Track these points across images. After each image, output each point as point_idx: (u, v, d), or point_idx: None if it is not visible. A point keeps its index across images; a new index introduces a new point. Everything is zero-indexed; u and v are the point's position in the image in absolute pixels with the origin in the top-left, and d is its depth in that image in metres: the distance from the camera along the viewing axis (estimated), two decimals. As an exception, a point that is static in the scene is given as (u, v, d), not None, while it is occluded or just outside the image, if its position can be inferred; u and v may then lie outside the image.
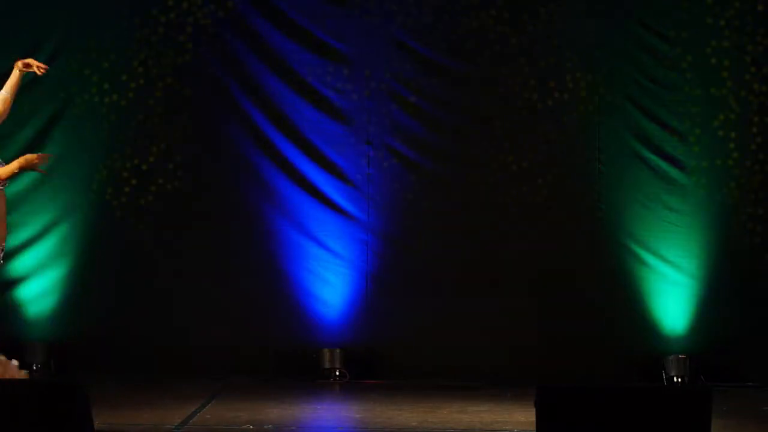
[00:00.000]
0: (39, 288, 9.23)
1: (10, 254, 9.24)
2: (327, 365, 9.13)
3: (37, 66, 7.04)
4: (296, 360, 9.19)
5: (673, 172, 9.12)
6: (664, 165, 9.12)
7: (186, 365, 9.12)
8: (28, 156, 6.82)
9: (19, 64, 7.04)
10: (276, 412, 7.61)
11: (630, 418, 5.00)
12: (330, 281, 9.24)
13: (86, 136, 9.27)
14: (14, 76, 7.07)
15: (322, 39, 9.27)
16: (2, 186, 6.81)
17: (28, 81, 9.23)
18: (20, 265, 9.24)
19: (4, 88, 7.08)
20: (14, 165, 6.78)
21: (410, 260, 9.25)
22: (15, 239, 9.23)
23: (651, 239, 9.10)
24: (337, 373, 9.06)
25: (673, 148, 9.13)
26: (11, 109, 9.24)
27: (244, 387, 8.64)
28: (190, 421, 7.29)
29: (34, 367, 9.12)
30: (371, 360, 9.18)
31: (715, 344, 9.03)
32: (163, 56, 9.29)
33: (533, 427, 5.07)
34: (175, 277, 9.25)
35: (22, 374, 7.04)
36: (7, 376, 6.83)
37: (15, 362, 7.01)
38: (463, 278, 9.18)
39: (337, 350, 9.11)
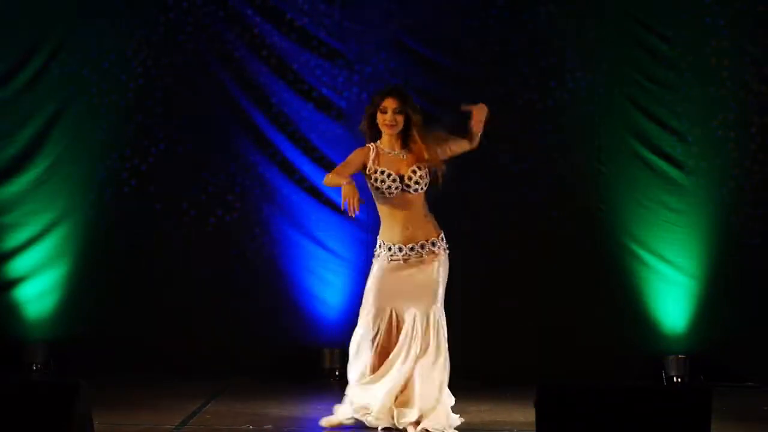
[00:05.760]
0: (39, 288, 9.24)
1: (11, 254, 9.26)
2: (327, 365, 9.13)
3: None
4: (296, 360, 9.19)
5: (673, 172, 9.12)
6: (664, 165, 9.12)
7: (186, 365, 9.13)
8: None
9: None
10: (276, 412, 7.61)
11: (630, 418, 5.00)
12: (330, 281, 9.24)
13: (86, 136, 9.28)
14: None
15: (322, 39, 9.28)
16: None
17: (27, 81, 9.28)
18: (20, 265, 9.24)
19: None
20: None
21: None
22: (15, 239, 9.25)
23: (651, 239, 9.10)
24: (337, 373, 9.06)
25: (672, 148, 9.13)
26: (11, 108, 9.30)
27: (244, 387, 8.64)
28: (190, 421, 7.30)
29: (34, 367, 9.13)
30: (371, 360, 9.17)
31: (715, 344, 9.03)
32: (163, 56, 9.30)
33: (533, 427, 5.07)
34: (175, 278, 9.26)
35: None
36: None
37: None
38: (462, 278, 9.15)
39: (337, 350, 9.11)
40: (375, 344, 6.85)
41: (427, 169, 6.84)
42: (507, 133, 9.22)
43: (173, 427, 7.07)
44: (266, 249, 9.28)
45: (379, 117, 6.85)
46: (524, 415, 7.44)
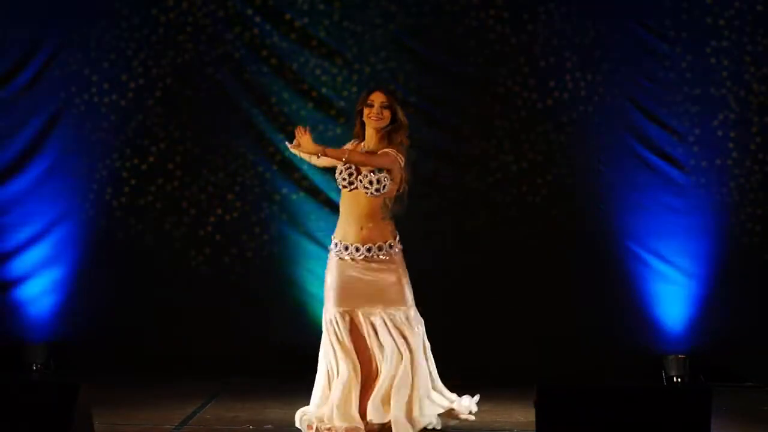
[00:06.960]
0: (39, 288, 9.24)
1: (11, 254, 9.26)
2: (327, 365, 9.11)
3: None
4: (296, 360, 9.18)
5: (673, 172, 9.12)
6: (664, 165, 9.12)
7: (186, 365, 9.12)
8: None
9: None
10: (276, 412, 7.61)
11: (630, 418, 5.00)
12: (330, 281, 9.21)
13: (86, 136, 9.28)
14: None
15: (322, 39, 9.27)
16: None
17: (27, 81, 9.28)
18: (20, 265, 9.24)
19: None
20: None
21: (409, 260, 9.23)
22: (15, 239, 9.24)
23: (651, 239, 9.10)
24: (337, 373, 9.04)
25: (673, 148, 9.13)
26: (11, 108, 9.30)
27: (244, 387, 8.64)
28: (190, 421, 7.30)
29: (34, 367, 9.13)
30: (371, 360, 9.16)
31: (715, 344, 9.03)
32: (163, 56, 9.29)
33: (533, 427, 5.07)
34: (174, 278, 9.25)
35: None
36: None
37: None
38: (462, 279, 9.18)
39: (337, 350, 9.09)
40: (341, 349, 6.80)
41: (389, 177, 6.70)
42: (507, 133, 9.22)
43: (173, 427, 7.07)
44: (266, 249, 9.28)
45: (365, 111, 6.72)
46: (524, 415, 7.44)
